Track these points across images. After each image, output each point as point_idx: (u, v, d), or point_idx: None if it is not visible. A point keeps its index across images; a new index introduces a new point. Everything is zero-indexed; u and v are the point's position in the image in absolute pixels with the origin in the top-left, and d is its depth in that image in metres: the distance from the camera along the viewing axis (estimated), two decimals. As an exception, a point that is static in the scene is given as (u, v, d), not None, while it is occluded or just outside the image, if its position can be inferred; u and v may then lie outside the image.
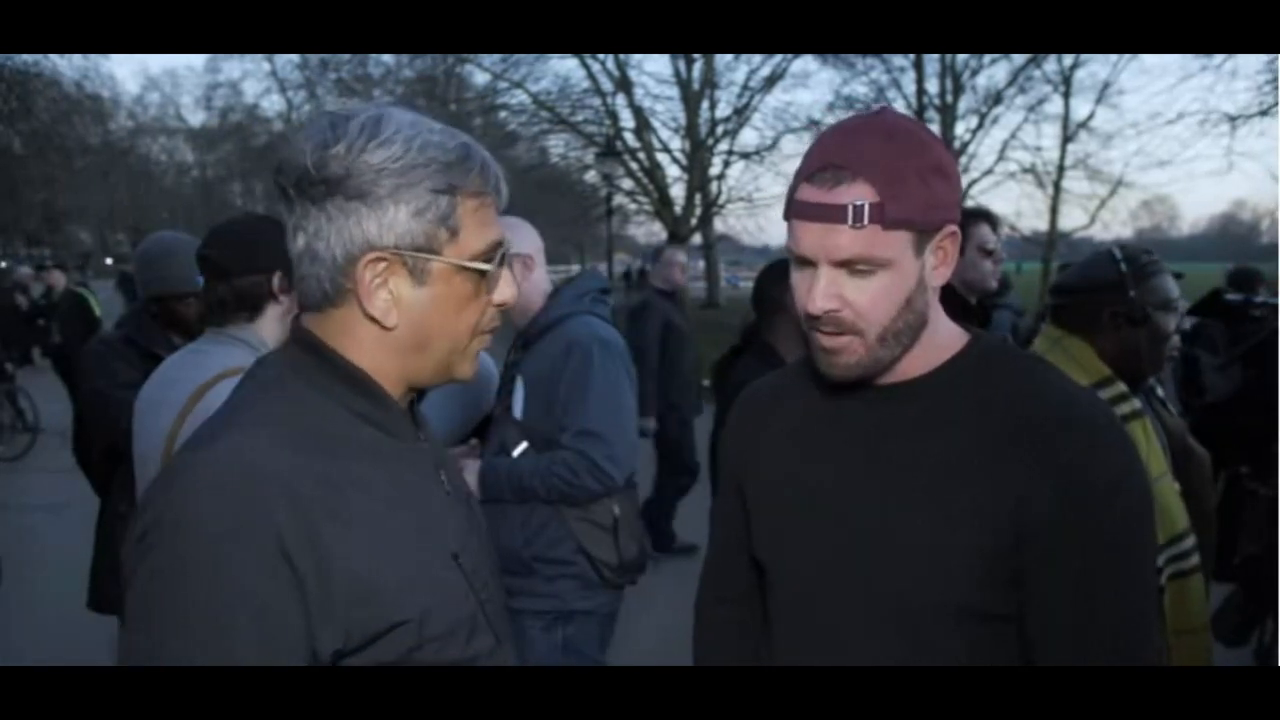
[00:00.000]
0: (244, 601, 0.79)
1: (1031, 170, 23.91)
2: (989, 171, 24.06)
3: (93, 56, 21.22)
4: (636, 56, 22.00)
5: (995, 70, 23.14)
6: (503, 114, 24.57)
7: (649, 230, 38.32)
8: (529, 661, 2.26)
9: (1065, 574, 0.98)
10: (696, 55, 21.98)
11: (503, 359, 2.43)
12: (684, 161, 23.59)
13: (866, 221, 0.97)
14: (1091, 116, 24.04)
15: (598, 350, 2.14)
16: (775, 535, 1.17)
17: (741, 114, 23.41)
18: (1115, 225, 25.47)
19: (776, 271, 2.67)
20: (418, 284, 0.92)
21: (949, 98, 23.00)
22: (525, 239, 2.26)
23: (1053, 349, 1.85)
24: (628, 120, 23.00)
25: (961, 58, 21.88)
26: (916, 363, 1.07)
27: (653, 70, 51.73)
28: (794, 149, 24.12)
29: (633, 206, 26.39)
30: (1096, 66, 22.82)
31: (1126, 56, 21.36)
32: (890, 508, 1.04)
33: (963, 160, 22.31)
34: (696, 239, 25.96)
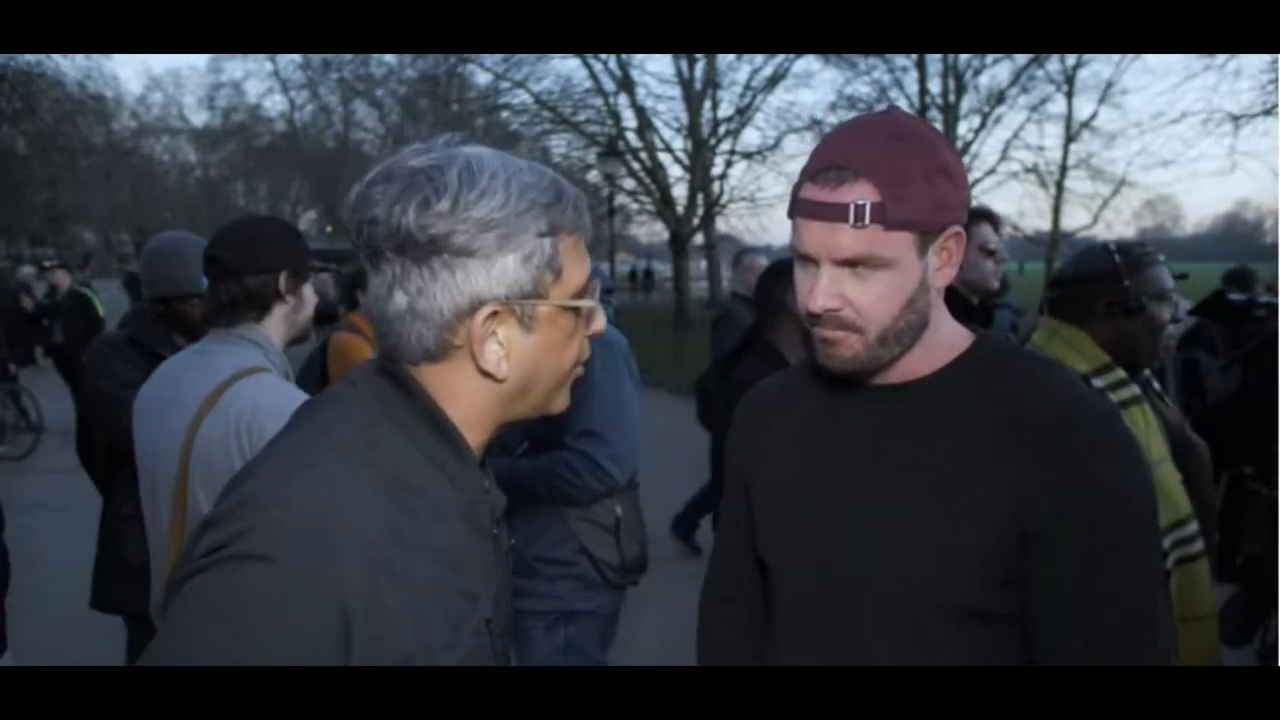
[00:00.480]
0: (289, 652, 0.77)
1: (1034, 170, 23.89)
2: (991, 171, 24.04)
3: (96, 57, 21.28)
4: (639, 56, 22.01)
5: (998, 70, 23.14)
6: (505, 114, 24.58)
7: (650, 230, 38.38)
8: (531, 662, 2.26)
9: (1068, 574, 0.98)
10: (699, 55, 21.97)
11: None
12: (686, 161, 23.59)
13: (868, 221, 0.97)
14: (1094, 116, 24.10)
15: (600, 350, 2.14)
16: (779, 535, 1.17)
17: (744, 114, 23.41)
18: (1118, 225, 25.50)
19: (779, 271, 2.67)
20: (527, 331, 0.91)
21: (952, 97, 22.98)
22: None
23: (1051, 339, 1.88)
24: (630, 120, 23.02)
25: (964, 57, 21.86)
26: (921, 363, 1.07)
27: (655, 70, 51.86)
28: (796, 149, 24.14)
29: (635, 206, 26.41)
30: (1099, 66, 22.80)
31: (1130, 56, 21.35)
32: (893, 507, 1.04)
33: (965, 160, 22.26)
34: (698, 239, 25.95)
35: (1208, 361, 3.81)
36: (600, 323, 0.98)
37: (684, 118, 23.45)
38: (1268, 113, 18.51)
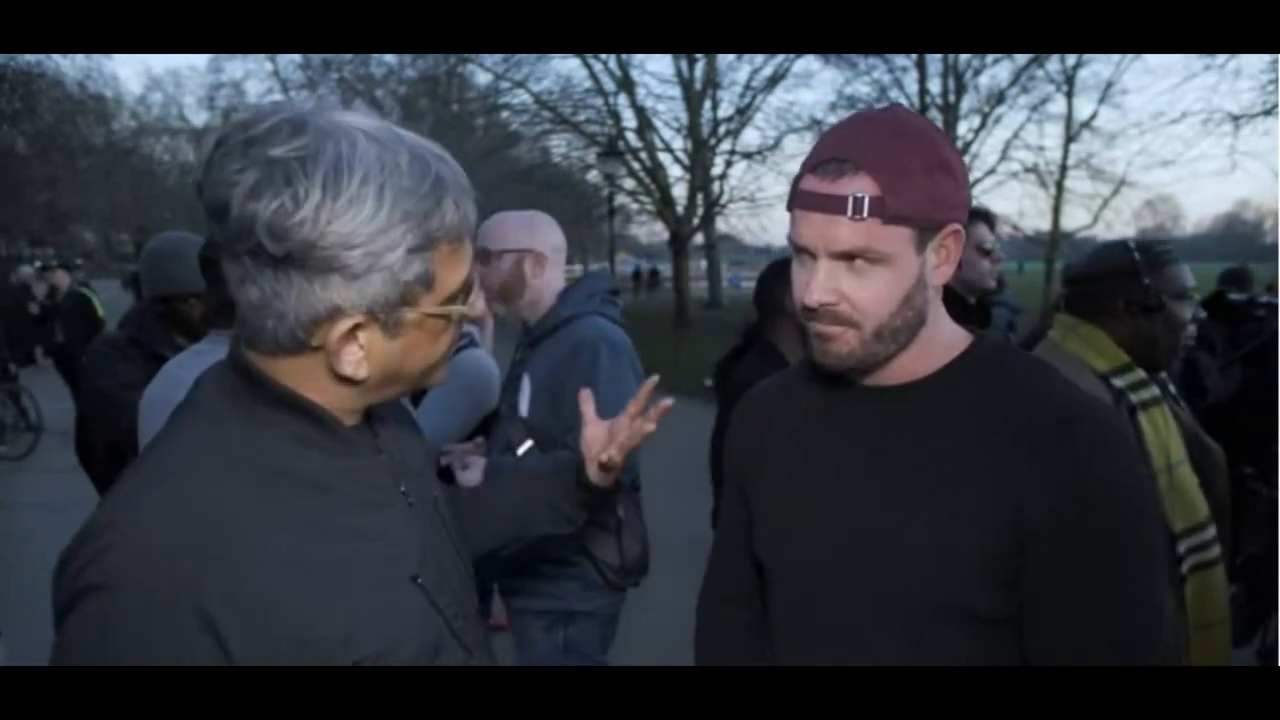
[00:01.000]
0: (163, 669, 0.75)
1: (1034, 170, 23.86)
2: (991, 171, 24.01)
3: (96, 57, 21.28)
4: (638, 56, 21.99)
5: (998, 70, 23.12)
6: (505, 114, 24.57)
7: (651, 230, 38.39)
8: (531, 662, 2.26)
9: (1066, 575, 0.97)
10: (699, 55, 21.96)
11: (506, 357, 2.43)
12: (686, 161, 23.58)
13: (866, 214, 0.97)
14: (1094, 116, 24.05)
15: (605, 351, 2.14)
16: (777, 536, 1.17)
17: (744, 114, 23.39)
18: (1118, 225, 25.41)
19: (779, 271, 2.68)
20: (391, 336, 0.86)
21: (952, 97, 22.96)
22: (543, 236, 2.26)
23: (1068, 336, 1.84)
24: (630, 120, 23.00)
25: (964, 57, 21.84)
26: (919, 363, 1.07)
27: (655, 70, 51.89)
28: (796, 149, 24.10)
29: (635, 206, 26.40)
30: (1099, 66, 22.77)
31: (1130, 56, 21.32)
32: (892, 508, 1.04)
33: (965, 160, 22.18)
34: (698, 239, 25.94)
35: (1207, 361, 3.81)
36: (476, 307, 0.95)
37: (684, 118, 23.45)
38: (1268, 113, 18.48)
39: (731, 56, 22.22)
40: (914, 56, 21.48)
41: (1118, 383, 1.76)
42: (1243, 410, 3.03)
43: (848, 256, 1.00)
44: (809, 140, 23.61)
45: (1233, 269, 5.49)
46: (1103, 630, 0.97)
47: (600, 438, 1.35)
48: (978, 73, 22.69)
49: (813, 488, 1.12)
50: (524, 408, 2.22)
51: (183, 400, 0.92)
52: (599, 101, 23.03)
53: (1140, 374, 1.78)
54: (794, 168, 1.06)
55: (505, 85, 23.16)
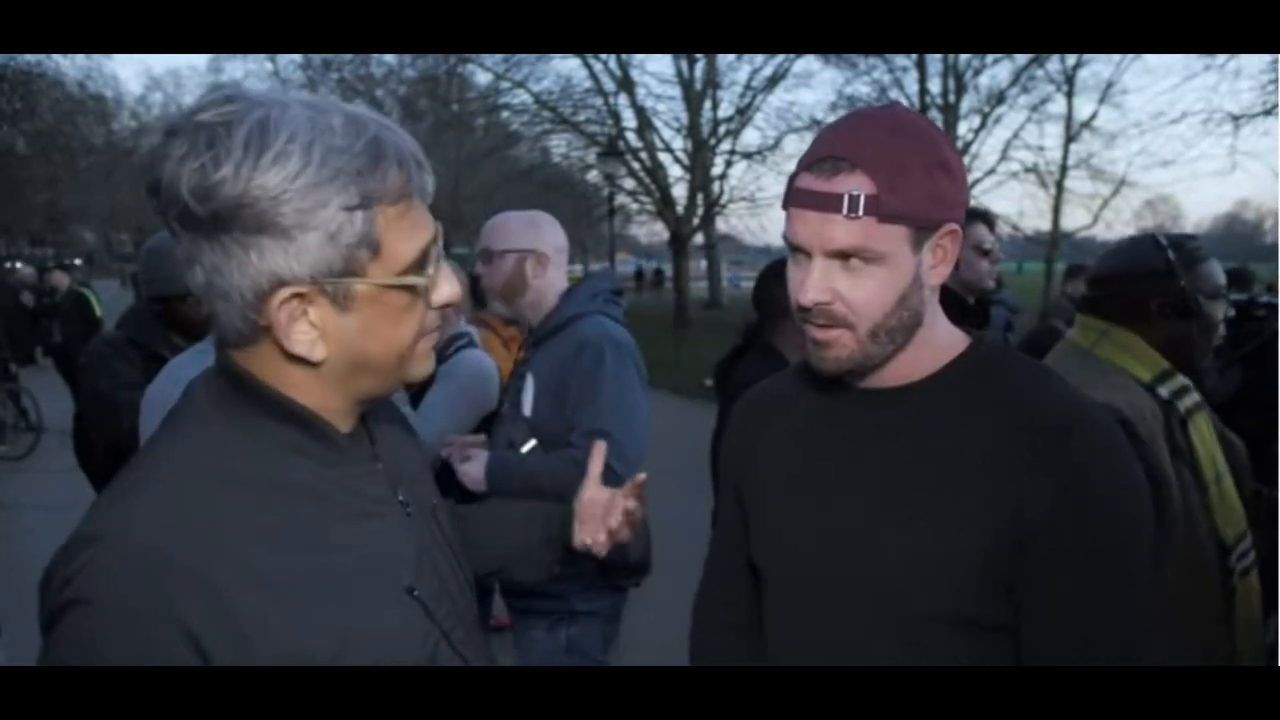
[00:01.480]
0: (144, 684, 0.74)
1: (1034, 170, 23.88)
2: (991, 171, 24.04)
3: (96, 57, 21.29)
4: (639, 56, 22.01)
5: (998, 70, 23.15)
6: (505, 114, 24.59)
7: (651, 230, 38.37)
8: (532, 661, 2.26)
9: (1063, 581, 0.96)
10: (699, 55, 21.97)
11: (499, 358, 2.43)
12: (686, 161, 23.59)
13: (862, 212, 0.95)
14: (1094, 116, 24.15)
15: (610, 350, 2.14)
16: (771, 539, 1.16)
17: (744, 114, 23.41)
18: (1118, 225, 25.42)
19: (778, 271, 2.67)
20: (343, 311, 0.82)
21: (952, 97, 22.97)
22: (545, 236, 2.26)
23: (1100, 341, 1.71)
24: (630, 120, 23.02)
25: (964, 57, 21.85)
26: (916, 365, 1.06)
27: (655, 70, 51.89)
28: (796, 149, 24.11)
29: (635, 206, 26.42)
30: (1099, 66, 22.79)
31: (1130, 56, 21.33)
32: (887, 512, 1.03)
33: (965, 160, 22.17)
34: (698, 239, 25.94)
35: (1207, 362, 3.81)
36: (446, 292, 0.89)
37: (684, 118, 23.46)
38: (1268, 113, 18.49)
39: (731, 56, 22.25)
40: (914, 56, 21.49)
41: (1163, 392, 1.65)
42: (1242, 411, 3.03)
43: (843, 255, 0.98)
44: (809, 140, 23.40)
45: (1233, 269, 5.50)
46: (1098, 637, 0.96)
47: (600, 503, 1.28)
48: (978, 73, 22.71)
49: (807, 491, 1.11)
50: (527, 407, 2.22)
51: (172, 407, 0.90)
52: (599, 101, 23.05)
53: (1182, 380, 1.67)
54: (794, 168, 1.05)
55: (505, 85, 23.20)
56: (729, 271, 37.46)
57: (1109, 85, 22.93)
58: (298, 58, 24.72)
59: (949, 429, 1.02)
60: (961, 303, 2.80)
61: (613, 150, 19.13)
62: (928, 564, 0.99)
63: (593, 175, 24.65)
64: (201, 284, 0.81)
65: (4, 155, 21.75)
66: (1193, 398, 1.68)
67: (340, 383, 0.87)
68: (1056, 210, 23.99)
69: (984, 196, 23.51)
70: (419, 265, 0.85)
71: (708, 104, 23.74)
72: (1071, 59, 21.65)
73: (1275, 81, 17.28)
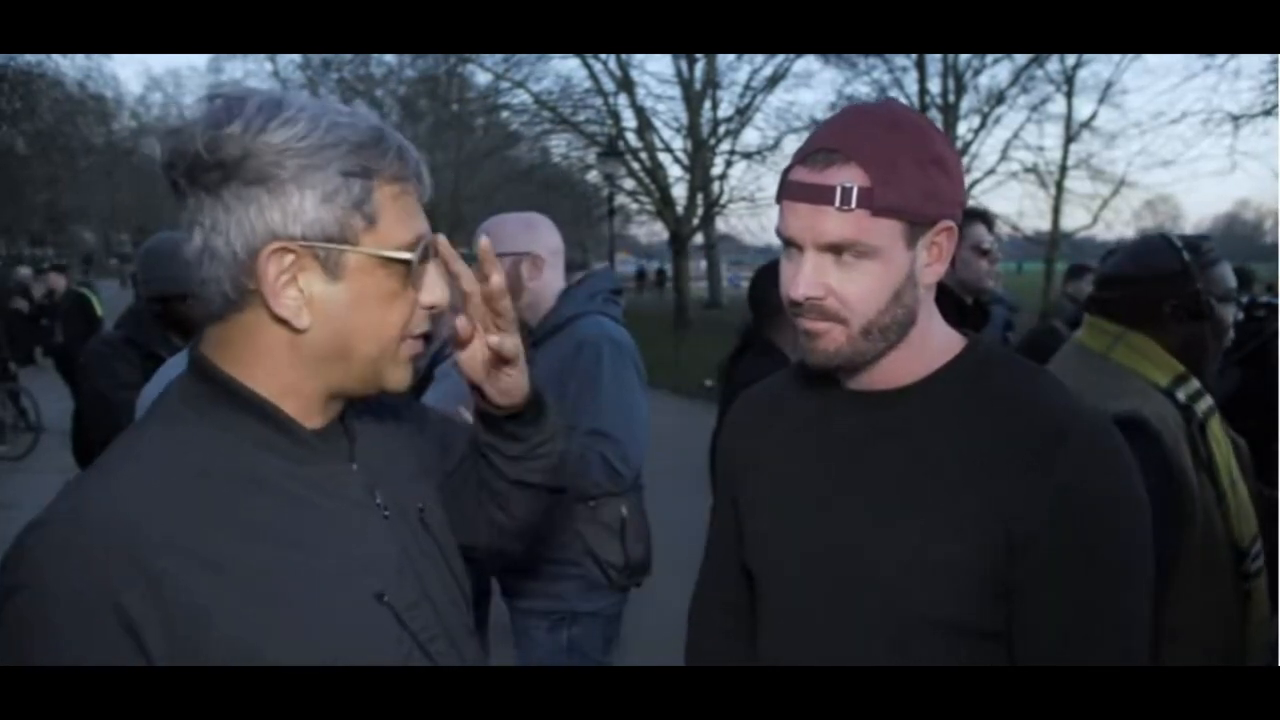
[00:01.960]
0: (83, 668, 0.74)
1: (1034, 170, 23.89)
2: (991, 171, 24.05)
3: (96, 57, 21.30)
4: (638, 56, 22.01)
5: (998, 70, 23.14)
6: (505, 114, 24.60)
7: (650, 230, 38.38)
8: (533, 662, 2.26)
9: (1057, 591, 0.94)
10: (699, 55, 21.98)
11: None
12: (686, 161, 23.59)
13: (854, 205, 0.94)
14: (1094, 116, 24.04)
15: (609, 350, 2.14)
16: (763, 544, 1.15)
17: (744, 114, 23.42)
18: (1118, 225, 25.43)
19: (774, 271, 2.67)
20: (332, 279, 0.83)
21: (951, 97, 22.98)
22: (540, 238, 2.26)
23: (1115, 346, 1.67)
24: (630, 120, 23.03)
25: (964, 57, 21.86)
26: (910, 367, 1.04)
27: (655, 70, 51.81)
28: (796, 149, 24.08)
29: (634, 206, 26.43)
30: (1099, 66, 22.79)
31: (1129, 56, 21.34)
32: (878, 518, 1.01)
33: (965, 160, 22.29)
34: (698, 239, 25.95)
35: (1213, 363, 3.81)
36: (435, 293, 0.89)
37: (684, 118, 23.47)
38: (1268, 113, 18.49)
39: (731, 56, 22.25)
40: (914, 56, 21.51)
41: (1181, 396, 1.62)
42: (1242, 411, 3.03)
43: (835, 249, 0.97)
44: (808, 140, 23.43)
45: (1235, 270, 5.49)
46: (1092, 646, 0.94)
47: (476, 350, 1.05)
48: (978, 73, 22.73)
49: (800, 495, 1.09)
50: (525, 408, 2.22)
51: (148, 407, 0.91)
52: (599, 101, 23.06)
53: (1197, 384, 1.65)
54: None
55: (505, 85, 23.20)
56: (729, 271, 37.46)
57: (1109, 85, 22.96)
58: (298, 58, 24.75)
59: (944, 433, 1.01)
60: (960, 303, 2.80)
61: (613, 150, 19.14)
62: (921, 569, 0.98)
63: (593, 175, 24.66)
64: (198, 247, 0.83)
65: (4, 155, 21.74)
66: (1207, 401, 1.66)
67: (316, 365, 0.86)
68: (1056, 210, 24.01)
69: (984, 196, 23.53)
70: (411, 250, 0.86)
71: (708, 104, 23.75)
72: (1071, 59, 21.67)
73: (1275, 81, 17.28)
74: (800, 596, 1.08)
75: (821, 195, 0.96)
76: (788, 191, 1.00)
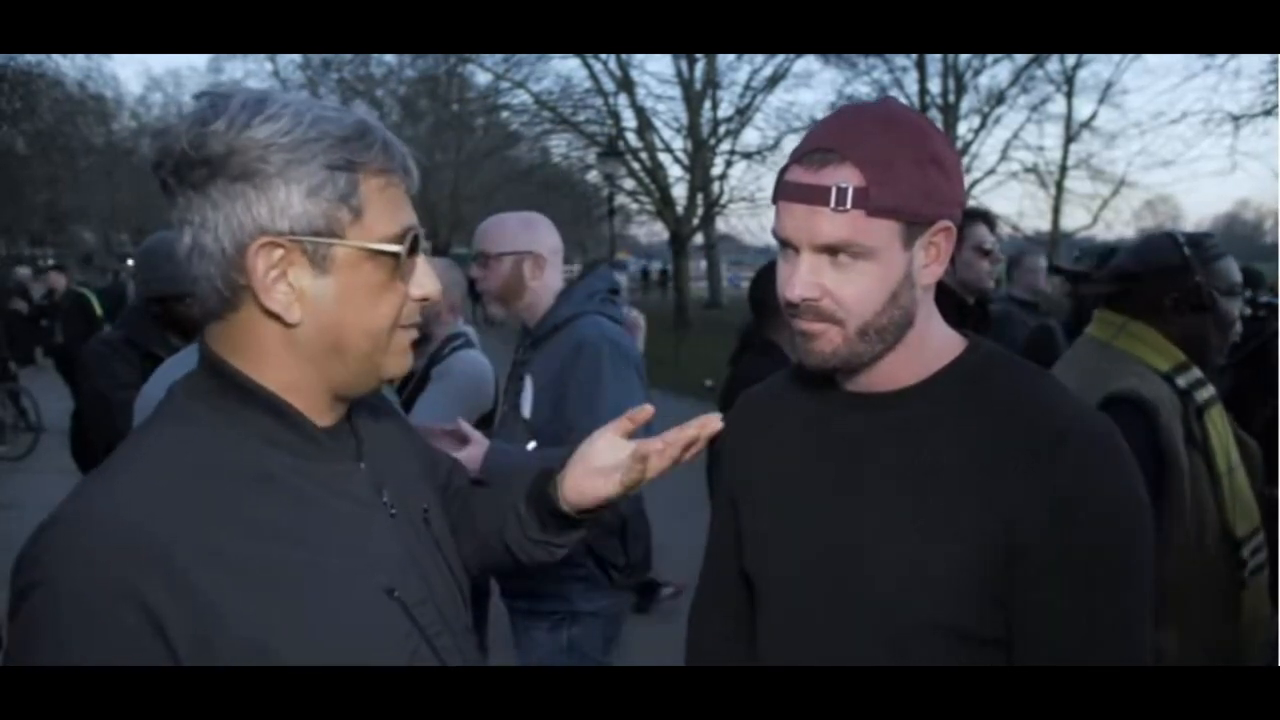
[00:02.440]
0: (105, 662, 0.74)
1: (1034, 170, 23.93)
2: (991, 171, 24.10)
3: (96, 57, 21.30)
4: (638, 56, 22.01)
5: (998, 70, 23.19)
6: (505, 114, 24.59)
7: (651, 230, 38.39)
8: (533, 662, 2.26)
9: (1056, 596, 0.93)
10: (699, 55, 21.98)
11: (501, 357, 2.43)
12: (686, 161, 23.60)
13: (850, 205, 0.93)
14: (1094, 116, 24.14)
15: (609, 351, 2.14)
16: (761, 548, 1.14)
17: (744, 114, 23.42)
18: (1118, 225, 25.45)
19: (775, 272, 2.67)
20: (320, 273, 0.84)
21: (951, 97, 23.00)
22: (539, 238, 2.26)
23: (1119, 335, 1.75)
24: (630, 120, 23.02)
25: (964, 57, 21.89)
26: (908, 369, 1.04)
27: (655, 70, 51.84)
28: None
29: (635, 206, 26.42)
30: (1099, 66, 22.85)
31: (1129, 56, 21.38)
32: (876, 522, 1.00)
33: (965, 160, 22.32)
34: (698, 239, 25.94)
35: (1221, 359, 3.80)
36: (425, 285, 0.90)
37: (684, 118, 23.46)
38: (1268, 113, 18.50)
39: (731, 56, 22.25)
40: (914, 56, 21.52)
41: (1180, 382, 1.68)
42: (1241, 411, 3.03)
43: (831, 250, 0.96)
44: (809, 140, 23.42)
45: (1241, 269, 5.45)
46: (1093, 650, 0.93)
47: (607, 452, 1.11)
48: (978, 73, 22.76)
49: (797, 499, 1.08)
50: (526, 409, 2.22)
51: (158, 403, 0.90)
52: (599, 101, 23.05)
53: (1198, 372, 1.71)
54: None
55: (505, 85, 23.19)
56: (729, 271, 37.46)
57: (1109, 85, 23.02)
58: (298, 58, 24.76)
59: (943, 436, 1.00)
60: (961, 303, 2.80)
61: (613, 150, 19.14)
62: (920, 574, 0.97)
63: (593, 175, 24.66)
64: (188, 245, 0.83)
65: (4, 155, 21.73)
66: (1209, 390, 1.70)
67: (313, 361, 0.87)
68: (1056, 210, 24.05)
69: (984, 196, 23.57)
70: (399, 242, 0.87)
71: (708, 104, 23.75)
72: (1071, 59, 21.71)
73: (1275, 81, 17.28)
74: (799, 599, 1.08)
75: (817, 196, 0.95)
76: (783, 192, 0.99)
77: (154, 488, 0.80)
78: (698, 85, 23.28)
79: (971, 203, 10.14)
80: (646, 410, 1.13)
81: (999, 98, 22.91)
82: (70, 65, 21.24)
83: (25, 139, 22.32)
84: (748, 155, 23.88)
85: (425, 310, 0.95)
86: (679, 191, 23.76)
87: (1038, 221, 26.94)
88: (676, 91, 23.42)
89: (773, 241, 1.04)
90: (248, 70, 26.93)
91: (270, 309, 0.83)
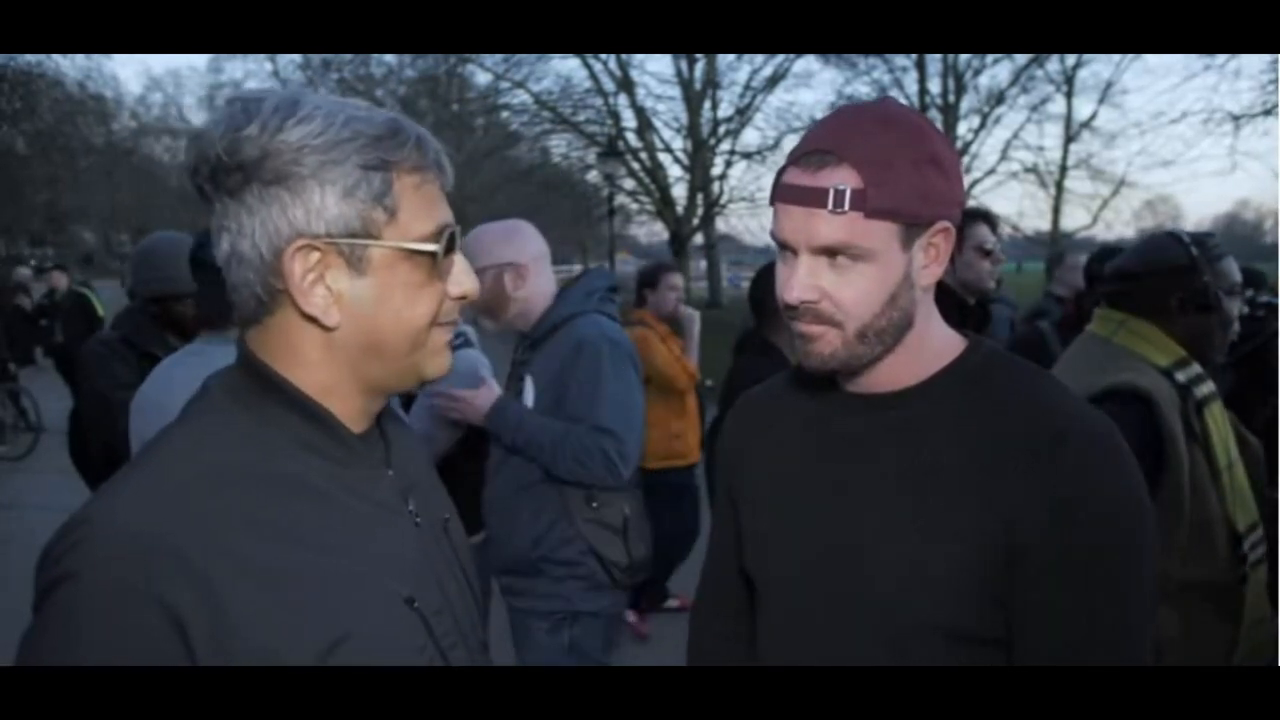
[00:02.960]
0: (123, 661, 0.74)
1: (1034, 170, 23.94)
2: (991, 171, 24.13)
3: (96, 57, 21.30)
4: (638, 56, 22.03)
5: (998, 70, 23.23)
6: (505, 114, 24.61)
7: (650, 230, 38.39)
8: (533, 662, 2.26)
9: (1058, 595, 0.93)
10: (699, 55, 21.98)
11: (501, 357, 2.43)
12: (686, 161, 23.61)
13: (848, 207, 0.93)
14: (1094, 116, 24.25)
15: (608, 349, 2.14)
16: (761, 549, 1.14)
17: (743, 114, 23.44)
18: (1118, 225, 25.55)
19: (772, 275, 2.68)
20: (357, 274, 0.83)
21: (951, 97, 23.01)
22: (520, 247, 2.25)
23: (1118, 331, 1.76)
24: (630, 120, 23.04)
25: (964, 57, 21.90)
26: (908, 370, 1.03)
27: (655, 70, 51.86)
28: (796, 149, 24.10)
29: (634, 206, 26.43)
30: (1099, 66, 22.88)
31: (1129, 56, 21.40)
32: (877, 522, 1.00)
33: (965, 160, 22.33)
34: (698, 239, 25.94)
35: (1221, 358, 3.80)
36: (464, 283, 0.90)
37: (684, 118, 23.48)
38: (1268, 113, 18.51)
39: (731, 56, 22.25)
40: (914, 56, 21.53)
41: (1180, 377, 1.68)
42: (1241, 411, 3.02)
43: (829, 252, 0.96)
44: (809, 140, 23.42)
45: (1244, 269, 5.44)
46: (1094, 651, 0.93)
47: None
48: (978, 73, 22.77)
49: (797, 500, 1.08)
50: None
51: (188, 400, 0.90)
52: (599, 101, 23.06)
53: (1198, 368, 1.71)
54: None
55: (505, 85, 23.21)
56: (729, 271, 37.42)
57: (1109, 85, 23.04)
58: (298, 58, 24.75)
59: (943, 436, 0.99)
60: (962, 304, 2.80)
61: (613, 150, 19.13)
62: (920, 574, 0.97)
63: (592, 175, 24.66)
64: (226, 252, 0.83)
65: (4, 155, 21.73)
66: (1208, 386, 1.71)
67: (351, 363, 0.87)
68: (1056, 210, 24.06)
69: (984, 197, 23.59)
70: (435, 240, 0.86)
71: (708, 104, 23.76)
72: (1071, 59, 21.72)
73: (1275, 81, 17.28)
74: (799, 599, 1.07)
75: (814, 198, 0.94)
76: (781, 194, 0.99)
77: (184, 489, 0.79)
78: (698, 85, 23.29)
79: (972, 203, 10.13)
80: None
81: (999, 98, 22.93)
82: (70, 65, 21.26)
83: (25, 139, 22.32)
84: (748, 155, 23.91)
85: (464, 308, 0.95)
86: (679, 191, 23.79)
87: (1038, 221, 27.02)
88: (676, 91, 23.46)
89: (773, 242, 1.04)
90: (248, 70, 26.90)
91: (308, 313, 0.83)
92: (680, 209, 23.54)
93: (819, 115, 22.87)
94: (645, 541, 2.29)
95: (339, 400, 0.88)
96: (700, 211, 23.97)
